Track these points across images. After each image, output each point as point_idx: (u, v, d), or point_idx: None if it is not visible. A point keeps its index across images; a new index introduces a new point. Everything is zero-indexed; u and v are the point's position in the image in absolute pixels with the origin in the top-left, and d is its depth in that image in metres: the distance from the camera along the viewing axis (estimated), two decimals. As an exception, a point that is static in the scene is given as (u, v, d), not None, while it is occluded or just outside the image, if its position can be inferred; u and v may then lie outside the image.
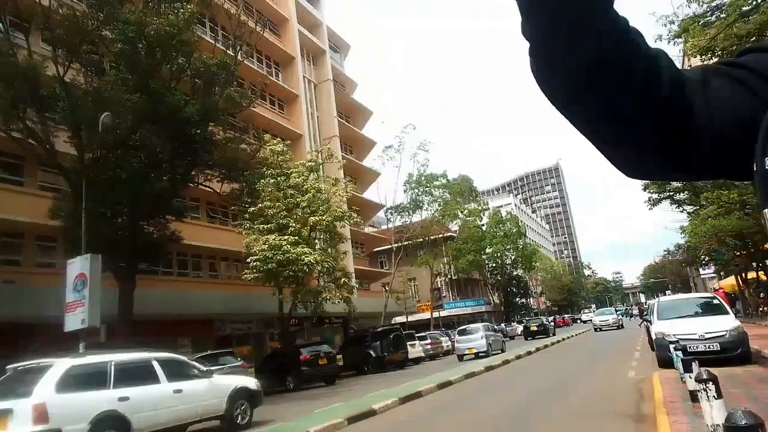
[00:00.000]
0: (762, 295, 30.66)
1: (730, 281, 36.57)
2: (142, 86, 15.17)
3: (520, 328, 43.96)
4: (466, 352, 23.50)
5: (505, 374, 14.93)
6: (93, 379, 7.83)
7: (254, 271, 20.02)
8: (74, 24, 14.32)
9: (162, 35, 14.89)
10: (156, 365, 8.84)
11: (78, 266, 12.27)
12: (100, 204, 15.14)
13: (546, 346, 25.34)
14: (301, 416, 10.27)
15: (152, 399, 8.38)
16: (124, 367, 8.38)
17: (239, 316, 24.66)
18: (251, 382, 10.79)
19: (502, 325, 45.37)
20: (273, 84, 30.36)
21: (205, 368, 10.13)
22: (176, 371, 9.16)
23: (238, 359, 16.92)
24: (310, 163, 23.54)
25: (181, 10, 15.89)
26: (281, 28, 35.13)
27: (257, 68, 29.71)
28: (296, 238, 20.41)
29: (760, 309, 29.06)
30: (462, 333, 24.70)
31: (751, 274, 31.90)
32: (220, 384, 9.88)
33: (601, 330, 37.43)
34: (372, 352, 22.86)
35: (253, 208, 20.62)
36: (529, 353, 21.74)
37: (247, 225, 21.18)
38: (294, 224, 20.88)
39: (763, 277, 28.60)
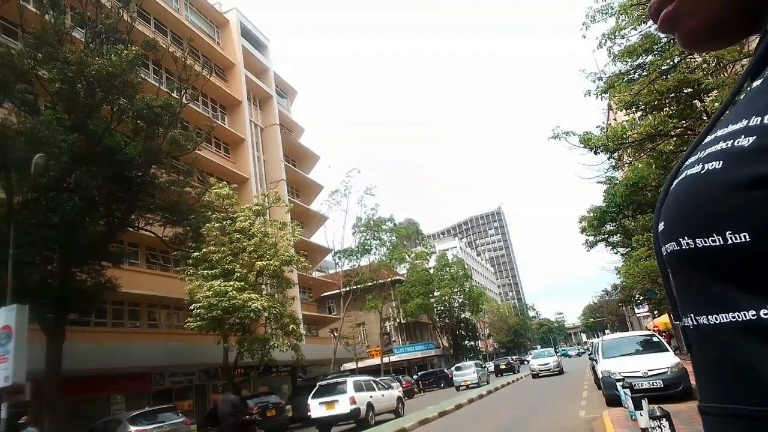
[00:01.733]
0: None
1: (664, 319, 38.42)
2: (79, 126, 14.59)
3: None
4: (462, 383, 31.02)
5: (462, 418, 14.73)
6: (361, 386, 16.60)
7: (198, 318, 19.08)
8: (9, 62, 13.72)
9: (103, 75, 14.51)
10: (375, 383, 18.06)
11: (3, 318, 11.24)
12: (29, 250, 14.13)
13: (509, 383, 29.34)
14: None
15: (377, 397, 17.04)
16: (368, 383, 17.58)
17: (180, 367, 23.29)
18: (399, 393, 19.84)
19: (452, 369, 45.18)
20: (219, 127, 30.07)
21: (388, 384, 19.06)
22: (383, 385, 18.65)
23: (179, 415, 15.82)
24: (256, 207, 23.15)
25: (125, 52, 15.62)
26: (228, 73, 35.16)
27: (203, 111, 29.42)
28: (242, 283, 19.76)
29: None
30: (458, 369, 33.24)
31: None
32: (393, 392, 18.95)
33: (539, 376, 30.24)
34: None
35: (197, 253, 19.87)
36: (493, 390, 21.69)
37: (191, 271, 20.33)
38: (240, 269, 20.25)
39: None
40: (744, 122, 0.47)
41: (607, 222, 23.60)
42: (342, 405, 15.50)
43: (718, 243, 0.44)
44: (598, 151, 14.55)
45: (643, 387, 10.01)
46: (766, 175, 0.42)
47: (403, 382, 33.17)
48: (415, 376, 41.59)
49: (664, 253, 0.52)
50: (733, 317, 0.44)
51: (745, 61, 13.23)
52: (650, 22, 13.20)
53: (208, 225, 19.98)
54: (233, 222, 21.31)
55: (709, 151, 0.49)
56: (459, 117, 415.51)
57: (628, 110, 14.65)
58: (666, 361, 10.96)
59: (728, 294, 0.45)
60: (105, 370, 19.00)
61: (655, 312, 42.16)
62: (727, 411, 0.45)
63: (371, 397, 16.58)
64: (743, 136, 0.46)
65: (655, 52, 13.46)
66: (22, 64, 14.09)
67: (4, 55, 13.75)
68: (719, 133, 0.50)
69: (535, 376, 30.58)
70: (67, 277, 15.47)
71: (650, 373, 10.60)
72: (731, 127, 0.48)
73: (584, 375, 18.00)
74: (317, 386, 17.19)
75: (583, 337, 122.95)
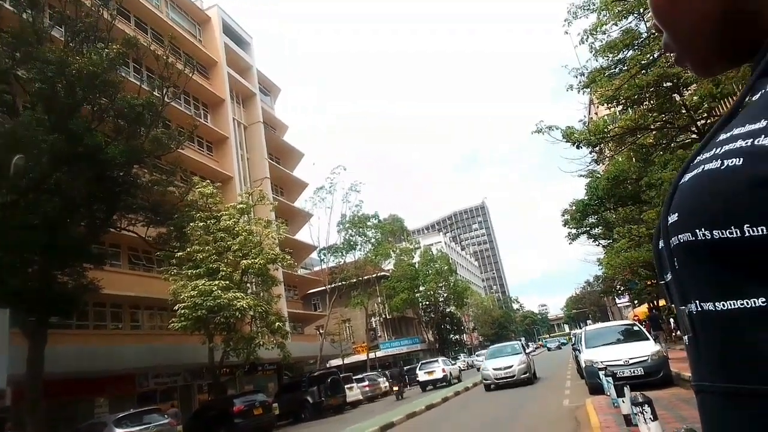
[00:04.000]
0: (673, 321, 33.04)
1: (643, 309, 39.20)
2: (60, 127, 14.34)
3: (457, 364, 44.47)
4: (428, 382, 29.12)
5: (451, 408, 14.89)
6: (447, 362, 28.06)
7: (182, 319, 18.96)
8: (-15, 63, 13.44)
9: (84, 75, 14.28)
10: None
11: (-18, 322, 11.04)
12: (9, 252, 13.88)
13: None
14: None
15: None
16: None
17: (164, 368, 23.09)
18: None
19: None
20: (202, 126, 29.76)
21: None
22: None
23: (165, 416, 15.71)
24: (241, 206, 23.02)
25: (106, 50, 15.38)
26: (210, 71, 34.80)
27: (185, 110, 29.08)
28: (227, 282, 19.68)
29: (672, 334, 31.26)
30: (423, 365, 29.28)
31: (662, 302, 34.40)
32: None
33: (493, 388, 18.41)
34: (309, 398, 22.08)
35: (181, 253, 19.70)
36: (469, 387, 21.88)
37: (174, 271, 20.18)
38: (225, 268, 20.15)
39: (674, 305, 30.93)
40: (763, 122, 0.51)
41: (589, 215, 23.96)
42: (438, 372, 26.80)
43: (735, 235, 0.48)
44: (580, 145, 14.79)
45: (625, 375, 10.24)
46: None
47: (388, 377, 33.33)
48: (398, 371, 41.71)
49: (674, 243, 0.56)
50: (742, 304, 0.48)
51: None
52: (630, 18, 13.46)
53: (192, 224, 19.82)
54: (217, 221, 21.18)
55: (726, 148, 0.53)
56: (444, 113, 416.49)
57: (609, 104, 14.89)
58: (646, 349, 11.23)
59: (739, 282, 0.49)
60: (88, 372, 18.76)
61: (636, 302, 43.01)
62: (729, 389, 0.49)
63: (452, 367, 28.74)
64: (763, 136, 0.50)
65: (636, 47, 13.71)
66: (0, 64, 13.81)
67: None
68: (736, 131, 0.53)
69: (488, 388, 18.40)
70: (48, 280, 15.22)
71: (631, 362, 10.86)
72: (749, 127, 0.52)
73: (565, 380, 17.85)
74: (420, 363, 30.08)
75: (566, 328, 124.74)
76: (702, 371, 0.55)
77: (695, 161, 0.58)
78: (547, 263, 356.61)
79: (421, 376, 27.25)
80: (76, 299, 16.52)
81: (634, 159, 17.02)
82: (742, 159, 0.50)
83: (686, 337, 0.60)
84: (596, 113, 25.59)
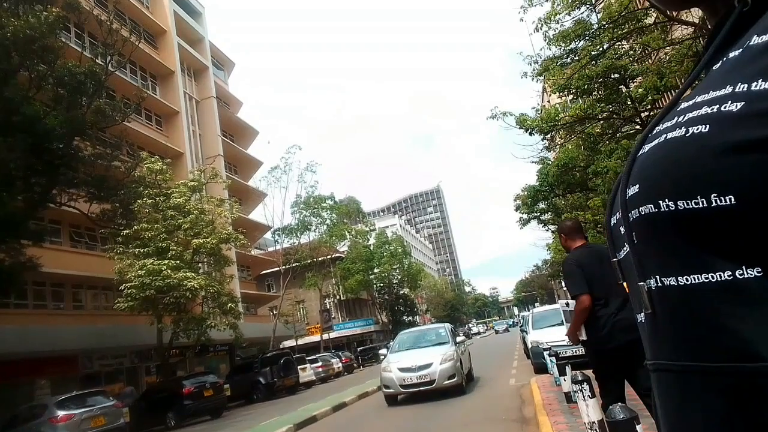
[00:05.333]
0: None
1: (588, 291, 41.01)
2: (-7, 94, 13.40)
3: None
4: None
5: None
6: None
7: (129, 299, 18.36)
8: None
9: (21, 39, 13.34)
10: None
11: None
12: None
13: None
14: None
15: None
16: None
17: (110, 350, 22.38)
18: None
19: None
20: (150, 98, 28.47)
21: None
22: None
23: (111, 399, 15.26)
24: (192, 183, 22.34)
25: (44, 13, 14.39)
26: (159, 40, 33.23)
27: (131, 80, 27.74)
28: (178, 262, 19.15)
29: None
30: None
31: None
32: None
33: (398, 400, 11.66)
34: (261, 379, 21.95)
35: (128, 231, 18.97)
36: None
37: (120, 249, 19.42)
38: (175, 247, 19.58)
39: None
40: (729, 88, 0.48)
41: (540, 200, 24.66)
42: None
43: (701, 205, 0.45)
44: (533, 132, 15.13)
45: (567, 355, 10.70)
46: (754, 140, 0.44)
47: (343, 358, 33.64)
48: (354, 353, 42.20)
49: (634, 216, 0.53)
50: (707, 278, 0.46)
51: (668, 49, 14.12)
52: (583, 8, 13.76)
53: (139, 201, 19.10)
54: (167, 198, 20.48)
55: (690, 115, 0.50)
56: (400, 93, 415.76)
57: (561, 93, 15.28)
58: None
59: (705, 255, 0.46)
60: (27, 353, 17.94)
61: (581, 285, 44.75)
62: (692, 367, 0.47)
63: None
64: (730, 102, 0.47)
65: (587, 38, 14.07)
66: None
67: None
68: (699, 99, 0.51)
69: (392, 400, 11.59)
70: (-19, 257, 14.37)
71: (574, 342, 11.34)
72: (714, 93, 0.49)
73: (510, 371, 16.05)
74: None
75: (515, 310, 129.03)
76: (660, 349, 0.53)
77: (654, 131, 0.55)
78: (500, 247, 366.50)
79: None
80: (13, 277, 15.65)
81: (582, 147, 17.59)
82: (708, 125, 0.48)
83: (641, 314, 0.57)
84: (548, 101, 26.23)
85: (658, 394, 0.54)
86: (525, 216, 29.00)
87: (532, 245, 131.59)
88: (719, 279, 0.45)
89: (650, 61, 15.49)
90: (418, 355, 11.32)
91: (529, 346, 12.75)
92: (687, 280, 0.48)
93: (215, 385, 18.76)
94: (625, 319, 3.77)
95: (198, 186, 22.62)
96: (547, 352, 9.96)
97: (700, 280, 0.47)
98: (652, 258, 0.53)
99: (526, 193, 25.15)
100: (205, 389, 18.03)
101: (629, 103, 14.73)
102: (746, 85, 0.47)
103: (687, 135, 0.49)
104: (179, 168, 28.89)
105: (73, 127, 15.64)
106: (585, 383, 4.80)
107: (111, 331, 21.44)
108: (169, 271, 18.36)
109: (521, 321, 25.63)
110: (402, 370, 11.02)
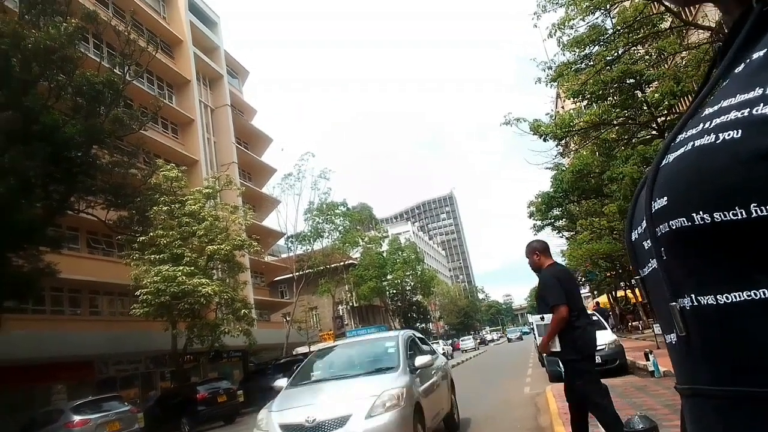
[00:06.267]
0: (630, 311, 34.27)
1: (602, 299, 40.52)
2: (14, 103, 13.68)
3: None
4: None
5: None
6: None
7: (144, 305, 18.55)
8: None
9: (41, 49, 13.63)
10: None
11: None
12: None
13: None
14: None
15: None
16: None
17: (125, 355, 22.59)
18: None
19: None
20: (166, 107, 28.89)
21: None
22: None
23: (126, 404, 15.39)
24: (207, 190, 22.57)
25: (64, 24, 14.69)
26: (175, 50, 33.74)
27: (148, 90, 28.17)
28: (192, 268, 19.31)
29: (629, 324, 32.43)
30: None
31: (620, 293, 35.63)
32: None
33: None
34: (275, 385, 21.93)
35: (144, 237, 19.20)
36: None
37: (136, 255, 19.65)
38: (190, 254, 19.76)
39: (631, 296, 32.07)
40: (759, 90, 0.45)
41: (554, 207, 24.50)
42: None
43: (740, 216, 0.42)
44: (547, 138, 15.05)
45: (584, 363, 10.56)
46: None
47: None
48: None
49: (663, 230, 0.49)
50: (749, 295, 0.42)
51: (684, 54, 13.98)
52: (597, 13, 13.70)
53: (155, 208, 19.32)
54: (182, 205, 20.70)
55: (718, 121, 0.47)
56: (413, 101, 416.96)
57: (575, 99, 15.19)
58: (604, 338, 11.59)
59: (746, 271, 0.43)
60: (44, 359, 18.18)
61: (595, 292, 44.40)
62: (736, 393, 0.44)
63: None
64: (762, 104, 0.44)
65: (601, 43, 13.99)
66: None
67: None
68: (725, 103, 0.48)
69: None
70: (2, 263, 14.61)
71: (590, 350, 11.18)
72: (743, 96, 0.46)
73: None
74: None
75: (529, 317, 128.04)
76: (696, 373, 0.49)
77: (677, 140, 0.52)
78: (514, 254, 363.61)
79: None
80: (31, 283, 15.89)
81: (597, 153, 17.44)
82: (740, 131, 0.44)
83: (671, 335, 0.52)
84: (563, 107, 26.09)
85: (692, 421, 0.51)
86: (539, 223, 28.78)
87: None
88: (764, 296, 0.42)
89: (666, 66, 15.32)
90: (328, 396, 5.72)
91: (544, 354, 12.58)
92: (727, 298, 0.44)
93: (229, 391, 18.82)
94: (592, 332, 4.41)
95: (212, 193, 22.83)
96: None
97: (743, 298, 0.43)
98: (685, 275, 0.49)
99: (540, 199, 24.97)
100: (218, 395, 18.10)
101: (645, 108, 14.59)
102: None
103: (717, 142, 0.46)
104: (194, 175, 29.21)
105: (91, 135, 15.90)
106: (602, 392, 4.71)
107: (127, 336, 21.65)
108: (183, 277, 18.52)
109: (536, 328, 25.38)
110: (285, 429, 5.36)
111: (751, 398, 0.42)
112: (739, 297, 0.43)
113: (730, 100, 0.47)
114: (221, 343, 21.75)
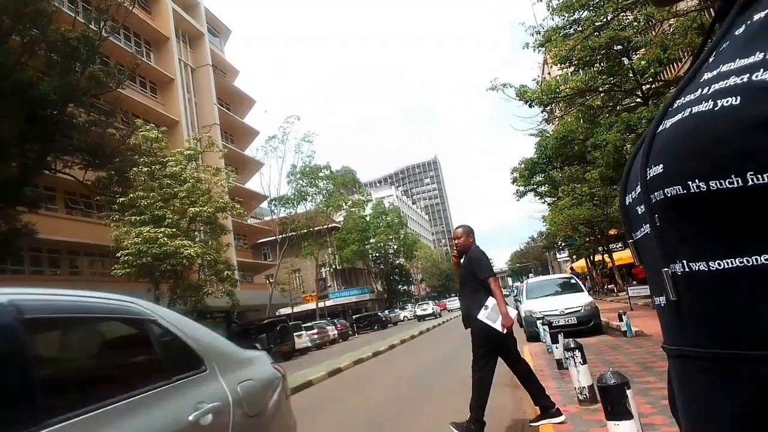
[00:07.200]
0: (607, 274, 35.22)
1: (581, 263, 41.49)
2: (-16, 58, 13.14)
3: (402, 314, 50.04)
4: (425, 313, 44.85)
5: (395, 356, 15.48)
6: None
7: (125, 266, 18.46)
8: None
9: (12, 2, 13.01)
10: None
11: None
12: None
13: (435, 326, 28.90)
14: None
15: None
16: None
17: (108, 316, 22.57)
18: None
19: (386, 311, 46.94)
20: (145, 65, 27.95)
21: None
22: None
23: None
24: (188, 152, 22.19)
25: (35, -25, 13.99)
26: (153, 5, 32.43)
27: (125, 47, 27.18)
28: (174, 230, 19.18)
29: (605, 287, 33.39)
30: (419, 305, 48.65)
31: (598, 257, 36.50)
32: None
33: None
34: (258, 345, 22.25)
35: (124, 199, 18.94)
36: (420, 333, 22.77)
37: (116, 217, 19.42)
38: (171, 215, 19.59)
39: (608, 260, 32.86)
40: (760, 55, 0.44)
41: (537, 173, 24.68)
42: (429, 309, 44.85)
43: (736, 185, 0.42)
44: (533, 104, 15.02)
45: (560, 324, 10.92)
46: None
47: (339, 326, 34.15)
48: (350, 320, 42.86)
49: (658, 197, 0.50)
50: (741, 262, 0.43)
51: (672, 21, 13.91)
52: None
53: (135, 169, 19.00)
54: (163, 167, 20.37)
55: (717, 86, 0.46)
56: (400, 64, 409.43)
57: (563, 65, 15.10)
58: (580, 300, 11.97)
59: (739, 239, 0.43)
60: (26, 319, 18.12)
61: (574, 256, 45.36)
62: (722, 355, 0.45)
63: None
64: (762, 70, 0.43)
65: (591, 8, 13.83)
66: None
67: None
68: (724, 68, 0.47)
69: None
70: (-23, 223, 14.36)
71: (566, 312, 11.57)
72: (742, 61, 0.45)
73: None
74: (417, 304, 43.76)
75: (510, 281, 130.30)
76: (685, 336, 0.50)
77: (675, 105, 0.51)
78: (496, 219, 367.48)
79: (418, 311, 47.14)
80: (9, 243, 15.69)
81: (582, 120, 17.51)
82: (739, 97, 0.43)
83: (660, 298, 0.54)
84: (549, 73, 25.94)
85: (680, 381, 0.53)
86: (522, 188, 29.05)
87: (528, 217, 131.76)
88: (756, 263, 0.42)
89: (654, 33, 15.27)
90: None
91: (523, 315, 12.97)
92: (719, 264, 0.45)
93: (213, 352, 19.05)
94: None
95: (194, 155, 22.47)
96: (540, 321, 10.16)
97: (734, 265, 0.44)
98: (677, 242, 0.49)
99: (523, 165, 25.12)
100: (203, 355, 18.31)
101: (631, 75, 14.60)
102: None
103: (716, 108, 0.45)
104: (175, 136, 28.64)
105: (67, 93, 15.40)
106: (577, 350, 4.94)
107: (109, 297, 21.58)
108: (165, 239, 18.42)
109: (515, 291, 26.02)
110: None
111: (736, 360, 0.44)
112: (730, 264, 0.44)
113: (729, 64, 0.47)
114: (204, 304, 21.88)
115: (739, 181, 0.42)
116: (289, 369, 17.44)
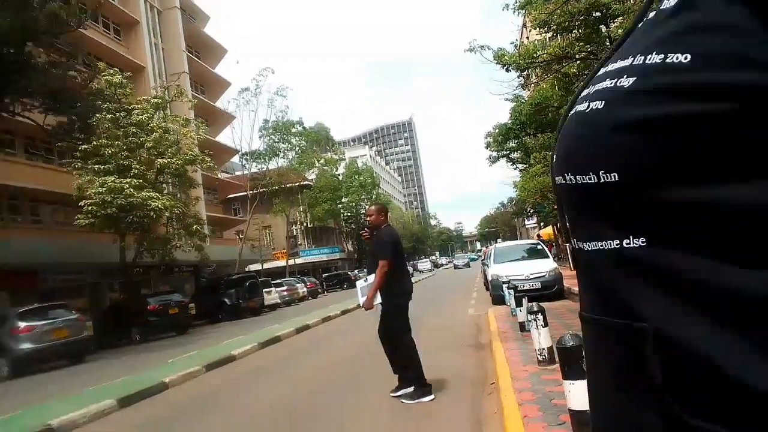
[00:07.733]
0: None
1: (548, 231, 42.48)
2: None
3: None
4: None
5: (362, 315, 15.73)
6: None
7: (89, 216, 17.95)
8: None
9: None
10: None
11: None
12: None
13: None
14: (152, 367, 9.78)
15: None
16: None
17: (71, 265, 22.12)
18: None
19: (355, 271, 47.30)
20: (108, 5, 26.38)
21: None
22: None
23: (73, 312, 15.27)
24: (155, 100, 21.33)
25: None
26: (118, -61, 30.32)
27: (88, -18, 25.50)
28: (141, 181, 18.64)
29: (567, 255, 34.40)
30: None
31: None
32: None
33: None
34: (227, 300, 22.34)
35: (86, 146, 18.20)
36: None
37: (79, 164, 18.70)
38: (138, 166, 18.98)
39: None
40: (629, 60, 0.47)
41: (511, 139, 24.81)
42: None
43: (593, 181, 0.48)
44: (510, 68, 14.91)
45: (525, 288, 11.24)
46: (639, 119, 0.44)
47: (308, 283, 34.39)
48: (319, 278, 43.16)
49: (557, 182, 0.56)
50: (601, 246, 0.50)
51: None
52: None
53: (98, 115, 18.22)
54: (128, 114, 19.57)
55: (596, 87, 0.51)
56: (375, 20, 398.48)
57: (542, 29, 14.95)
58: (545, 266, 12.32)
59: (600, 226, 0.50)
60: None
61: (542, 224, 46.38)
62: (598, 320, 0.53)
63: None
64: (625, 76, 0.47)
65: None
66: None
67: None
68: (609, 68, 0.51)
69: None
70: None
71: (531, 276, 11.91)
72: (618, 64, 0.49)
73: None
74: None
75: (478, 245, 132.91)
76: (583, 302, 0.58)
77: (578, 98, 0.55)
78: (468, 184, 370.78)
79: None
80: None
81: (557, 87, 17.52)
82: (603, 102, 0.48)
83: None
84: (527, 37, 25.71)
85: (584, 339, 0.61)
86: (495, 154, 29.22)
87: (500, 183, 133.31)
88: (610, 247, 0.49)
89: (633, 1, 15.20)
90: None
91: (490, 279, 13.29)
92: (589, 246, 0.52)
93: (180, 304, 19.00)
94: (409, 281, 5.38)
95: (161, 104, 21.63)
96: (506, 284, 10.43)
97: (597, 248, 0.50)
98: (570, 221, 0.57)
99: (497, 130, 25.20)
100: (170, 307, 18.26)
101: (608, 44, 14.57)
102: (643, 58, 0.46)
103: (588, 111, 0.50)
104: (141, 84, 27.47)
105: (25, 31, 14.50)
106: (539, 314, 5.09)
107: (72, 247, 21.06)
108: (131, 189, 17.90)
109: (483, 255, 26.57)
110: None
111: (608, 326, 0.51)
112: (595, 247, 0.51)
113: (613, 65, 0.50)
114: (172, 257, 21.60)
115: (595, 178, 0.48)
116: (257, 324, 17.80)
